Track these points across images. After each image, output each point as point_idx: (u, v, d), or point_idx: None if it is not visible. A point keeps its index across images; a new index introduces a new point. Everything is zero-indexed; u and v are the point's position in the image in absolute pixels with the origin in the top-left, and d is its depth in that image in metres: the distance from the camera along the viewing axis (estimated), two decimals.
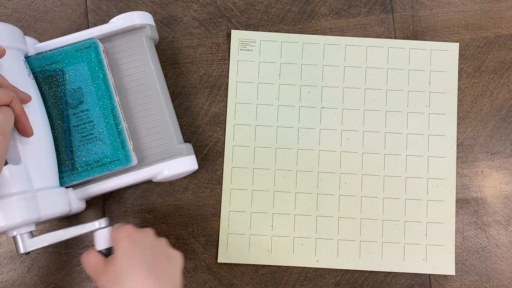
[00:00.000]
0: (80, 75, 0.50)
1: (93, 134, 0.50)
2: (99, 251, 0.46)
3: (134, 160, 0.50)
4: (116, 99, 0.51)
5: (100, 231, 0.46)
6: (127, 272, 0.42)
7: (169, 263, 0.44)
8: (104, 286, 0.42)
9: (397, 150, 0.59)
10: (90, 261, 0.44)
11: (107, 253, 0.46)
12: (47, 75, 0.50)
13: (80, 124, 0.50)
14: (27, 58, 0.50)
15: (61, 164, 0.49)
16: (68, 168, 0.49)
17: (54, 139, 0.49)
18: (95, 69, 0.50)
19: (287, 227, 0.57)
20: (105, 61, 0.51)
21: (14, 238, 0.44)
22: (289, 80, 0.59)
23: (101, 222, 0.46)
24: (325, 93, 0.59)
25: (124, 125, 0.50)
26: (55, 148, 0.49)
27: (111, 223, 0.48)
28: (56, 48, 0.51)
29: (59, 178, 0.49)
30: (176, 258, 0.46)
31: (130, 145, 0.50)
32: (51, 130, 0.49)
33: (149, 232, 0.46)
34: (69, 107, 0.50)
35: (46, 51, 0.51)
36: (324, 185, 0.58)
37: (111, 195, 0.57)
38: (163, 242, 0.46)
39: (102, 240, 0.46)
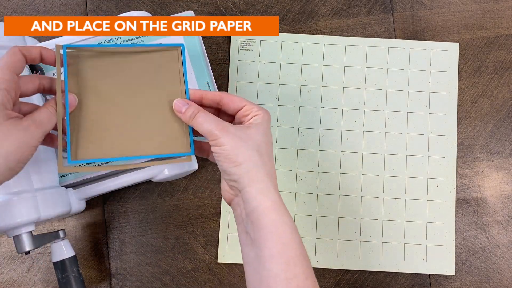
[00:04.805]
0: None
1: None
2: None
3: None
4: (210, 70, 0.53)
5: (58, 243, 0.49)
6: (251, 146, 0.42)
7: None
8: (224, 144, 0.41)
9: (397, 150, 0.59)
10: (209, 121, 0.42)
11: (62, 266, 0.48)
12: None
13: None
14: None
15: None
16: None
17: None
18: (191, 40, 0.53)
19: None
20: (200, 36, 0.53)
21: (14, 238, 0.44)
22: (289, 80, 0.59)
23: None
24: (325, 93, 0.59)
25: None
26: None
27: None
28: None
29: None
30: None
31: None
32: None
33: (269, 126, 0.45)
34: None
35: None
36: (324, 185, 0.58)
37: (111, 195, 0.57)
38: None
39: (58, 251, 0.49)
